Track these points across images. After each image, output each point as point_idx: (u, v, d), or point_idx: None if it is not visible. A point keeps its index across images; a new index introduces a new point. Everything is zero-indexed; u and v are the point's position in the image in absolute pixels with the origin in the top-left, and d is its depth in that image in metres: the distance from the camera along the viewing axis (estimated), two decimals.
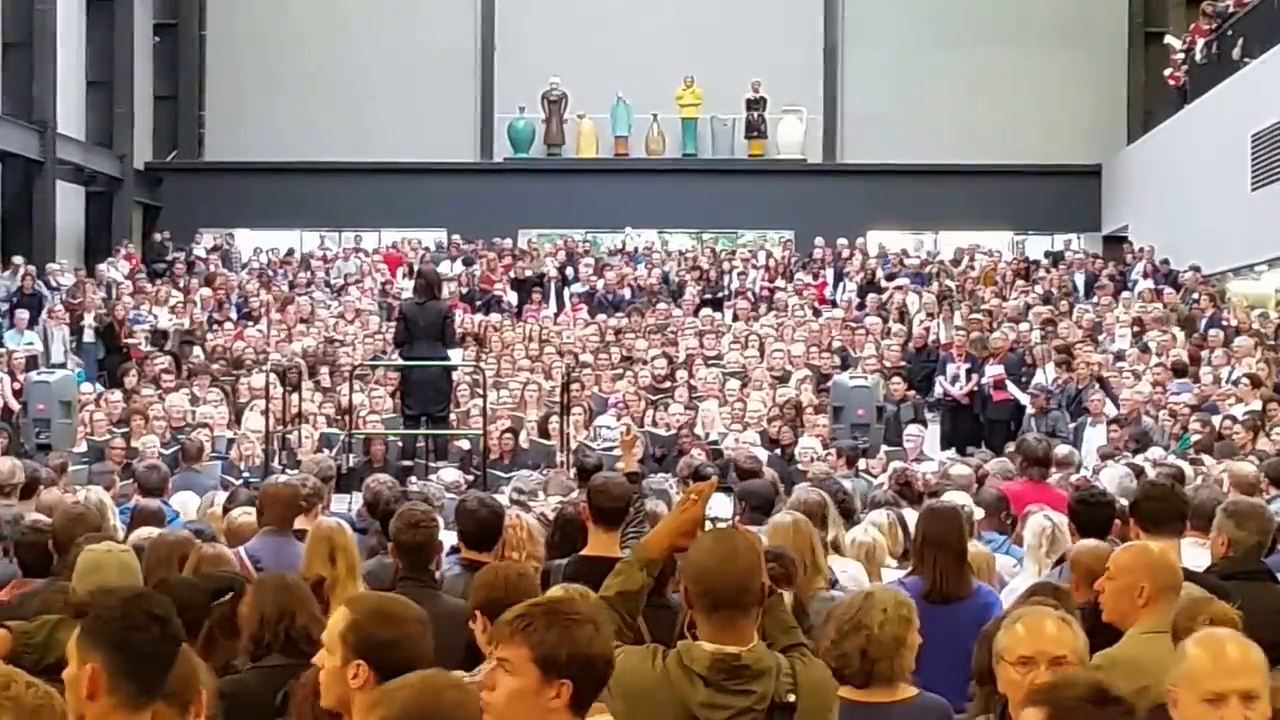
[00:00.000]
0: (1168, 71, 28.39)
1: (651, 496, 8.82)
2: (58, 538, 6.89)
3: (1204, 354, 20.18)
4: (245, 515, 8.57)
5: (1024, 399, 19.54)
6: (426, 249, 29.41)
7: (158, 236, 29.98)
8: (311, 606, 5.23)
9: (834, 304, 25.63)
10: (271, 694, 4.85)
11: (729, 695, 3.89)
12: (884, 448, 17.35)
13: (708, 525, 4.29)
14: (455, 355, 17.59)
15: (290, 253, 29.86)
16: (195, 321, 23.76)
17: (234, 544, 7.74)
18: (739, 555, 4.01)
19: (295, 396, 17.59)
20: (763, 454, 15.07)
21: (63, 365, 20.81)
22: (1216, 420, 16.64)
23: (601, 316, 24.49)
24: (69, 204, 29.67)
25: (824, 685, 4.20)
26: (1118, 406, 18.53)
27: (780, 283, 26.73)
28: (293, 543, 7.70)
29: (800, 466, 15.15)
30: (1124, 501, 7.64)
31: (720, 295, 26.08)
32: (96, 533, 6.86)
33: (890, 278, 26.48)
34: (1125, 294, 24.68)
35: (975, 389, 20.05)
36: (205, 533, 8.56)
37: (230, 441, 17.48)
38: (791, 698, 3.95)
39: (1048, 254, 29.54)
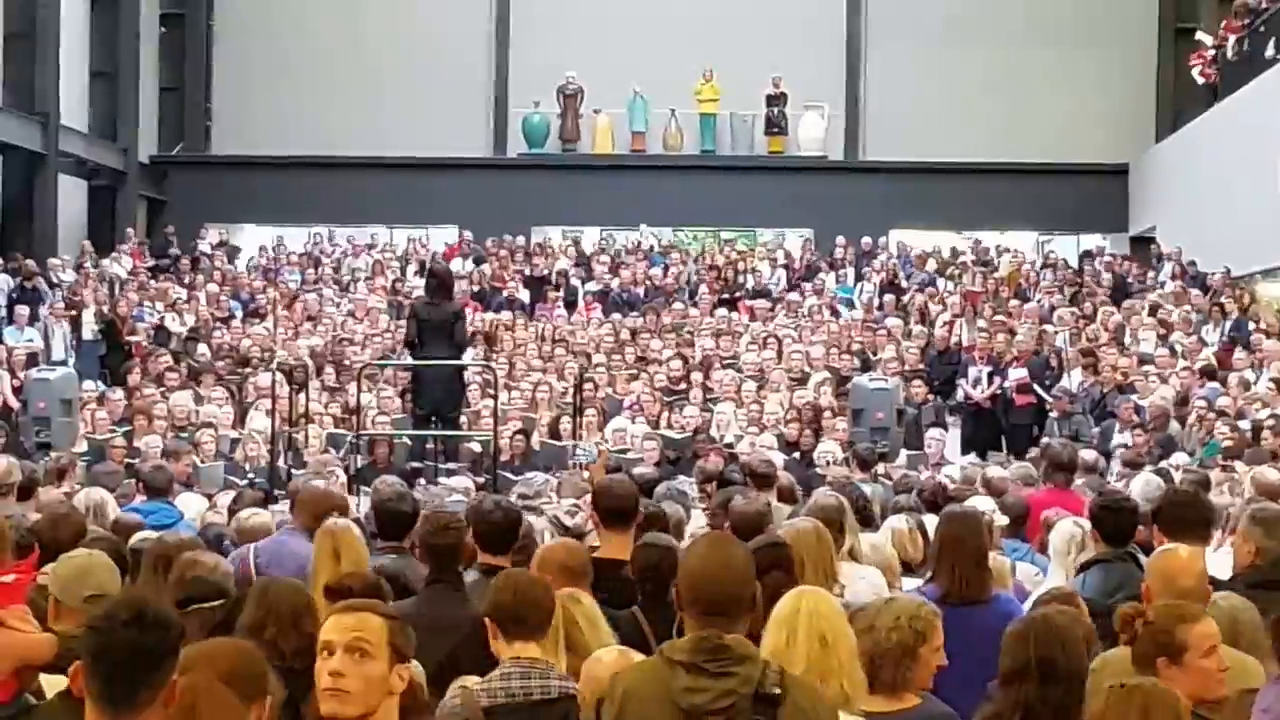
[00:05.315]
0: (1196, 68, 27.86)
1: (668, 501, 8.91)
2: (43, 539, 6.71)
3: (1231, 358, 19.86)
4: (255, 516, 8.70)
5: (1049, 400, 19.42)
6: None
7: (170, 229, 29.60)
8: (314, 611, 5.20)
9: (851, 304, 25.31)
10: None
11: (710, 678, 3.88)
12: (904, 452, 17.18)
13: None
14: (465, 356, 17.50)
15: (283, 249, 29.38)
16: (200, 319, 23.44)
17: (245, 545, 7.98)
18: (733, 563, 4.10)
19: (302, 396, 17.57)
20: (779, 458, 14.85)
21: (63, 362, 20.70)
22: (1245, 425, 16.51)
23: (616, 316, 24.10)
24: (71, 197, 29.41)
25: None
26: (1139, 413, 18.37)
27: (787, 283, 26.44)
28: (288, 542, 7.73)
29: (819, 470, 14.95)
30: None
31: (737, 296, 25.65)
32: (84, 534, 6.86)
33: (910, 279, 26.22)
34: (1153, 296, 24.31)
35: (998, 392, 19.86)
36: (225, 536, 8.76)
37: (235, 441, 17.41)
38: (777, 690, 3.92)
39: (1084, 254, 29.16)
